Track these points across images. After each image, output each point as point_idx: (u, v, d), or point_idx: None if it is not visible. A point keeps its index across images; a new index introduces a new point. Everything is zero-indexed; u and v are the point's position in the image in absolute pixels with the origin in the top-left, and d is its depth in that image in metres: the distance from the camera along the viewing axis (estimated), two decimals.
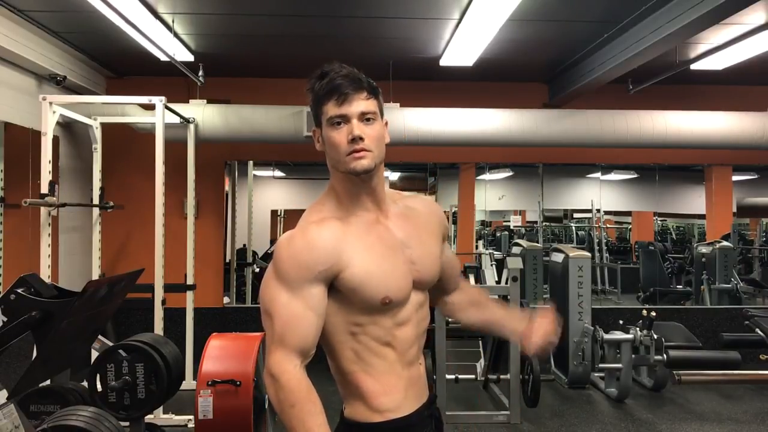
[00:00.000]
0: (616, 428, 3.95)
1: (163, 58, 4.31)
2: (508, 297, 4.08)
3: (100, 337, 2.87)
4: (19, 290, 1.90)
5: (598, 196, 7.27)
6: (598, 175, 7.12)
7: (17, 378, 1.92)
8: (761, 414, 4.21)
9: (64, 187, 4.50)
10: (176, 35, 4.28)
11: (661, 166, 6.69)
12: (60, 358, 2.28)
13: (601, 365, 4.59)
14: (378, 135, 1.24)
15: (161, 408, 3.62)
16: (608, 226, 9.14)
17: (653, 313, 4.46)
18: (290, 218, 8.33)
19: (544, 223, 7.97)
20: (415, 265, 1.29)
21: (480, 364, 4.87)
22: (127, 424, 2.77)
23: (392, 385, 1.26)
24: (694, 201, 7.16)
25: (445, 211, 1.96)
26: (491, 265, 6.61)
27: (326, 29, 4.33)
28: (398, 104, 4.92)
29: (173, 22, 4.07)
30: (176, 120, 4.62)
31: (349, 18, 4.05)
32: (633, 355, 4.42)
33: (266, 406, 3.04)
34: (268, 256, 6.89)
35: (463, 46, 4.38)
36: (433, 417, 1.35)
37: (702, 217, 7.15)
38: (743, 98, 5.61)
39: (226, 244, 5.98)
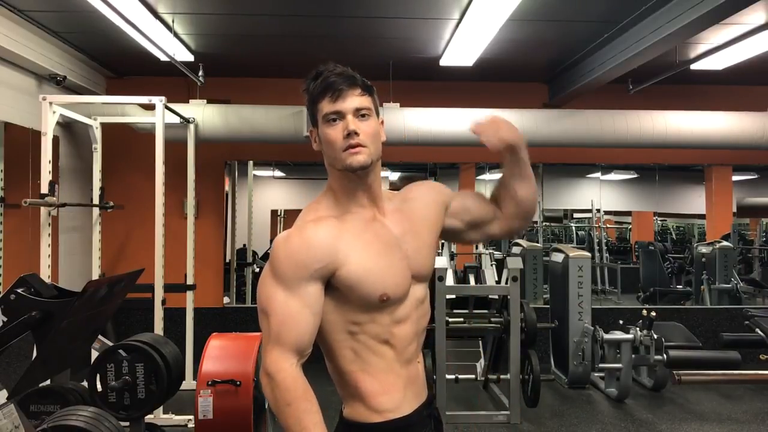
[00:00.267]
0: (616, 428, 3.95)
1: (163, 58, 4.31)
2: (508, 297, 4.08)
3: (100, 337, 2.87)
4: (19, 290, 1.91)
5: (598, 196, 7.27)
6: (598, 175, 7.12)
7: (17, 378, 1.92)
8: (761, 414, 4.21)
9: (64, 187, 4.50)
10: (176, 35, 4.28)
11: (661, 166, 6.69)
12: (60, 358, 2.28)
13: (601, 365, 4.59)
14: (373, 131, 1.25)
15: (161, 408, 3.62)
16: (608, 226, 9.12)
17: (653, 313, 4.46)
18: (290, 218, 8.32)
19: (544, 223, 7.97)
20: (410, 260, 1.29)
21: (480, 364, 4.87)
22: (127, 424, 2.77)
23: (391, 383, 1.26)
24: (694, 201, 7.16)
25: None
26: (491, 265, 6.58)
27: (326, 29, 4.33)
28: (398, 104, 4.92)
29: (173, 22, 4.07)
30: (176, 120, 4.62)
31: (349, 18, 4.05)
32: (633, 355, 4.42)
33: (266, 406, 3.04)
34: (268, 256, 6.84)
35: (463, 46, 4.38)
36: (432, 417, 1.35)
37: (702, 217, 7.15)
38: (743, 98, 5.61)
39: (226, 244, 5.99)
